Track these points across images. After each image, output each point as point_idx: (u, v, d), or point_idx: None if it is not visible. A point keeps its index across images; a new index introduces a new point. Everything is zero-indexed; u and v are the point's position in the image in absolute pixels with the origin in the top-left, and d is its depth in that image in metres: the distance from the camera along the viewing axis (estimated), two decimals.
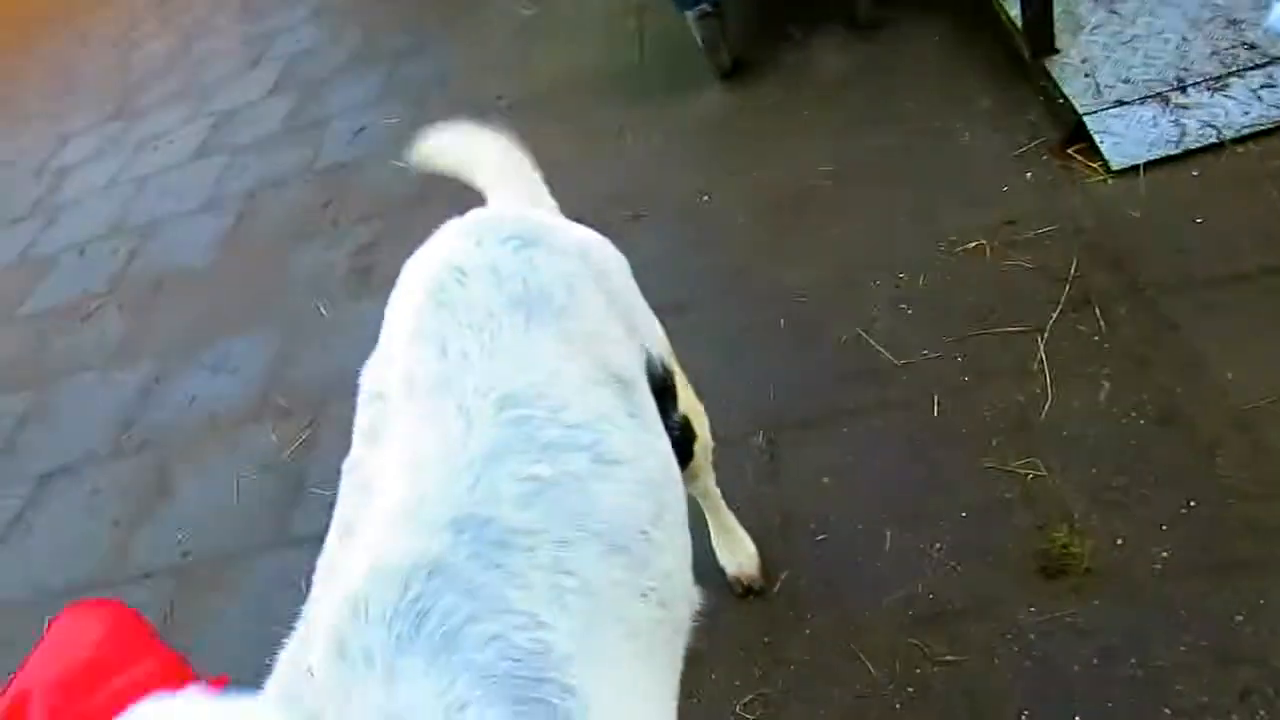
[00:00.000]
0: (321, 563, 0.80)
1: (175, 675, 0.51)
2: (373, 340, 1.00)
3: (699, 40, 2.79)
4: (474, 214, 1.09)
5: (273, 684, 0.70)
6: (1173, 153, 1.97)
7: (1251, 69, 2.03)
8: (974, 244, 2.02)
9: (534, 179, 1.35)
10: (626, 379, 0.96)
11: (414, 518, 0.75)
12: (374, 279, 2.68)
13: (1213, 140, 1.95)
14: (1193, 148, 1.96)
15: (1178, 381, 1.61)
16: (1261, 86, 1.99)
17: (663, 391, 1.09)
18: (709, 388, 1.95)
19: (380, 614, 0.67)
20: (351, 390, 0.96)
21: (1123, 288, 1.79)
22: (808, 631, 1.53)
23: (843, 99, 2.60)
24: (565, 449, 0.83)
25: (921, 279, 2.00)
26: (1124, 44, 2.22)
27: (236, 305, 2.91)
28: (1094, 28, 2.29)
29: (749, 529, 1.64)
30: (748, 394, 1.93)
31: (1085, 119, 2.09)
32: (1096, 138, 2.06)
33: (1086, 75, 2.17)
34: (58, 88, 5.41)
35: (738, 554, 1.61)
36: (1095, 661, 1.33)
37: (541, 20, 3.71)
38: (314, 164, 3.45)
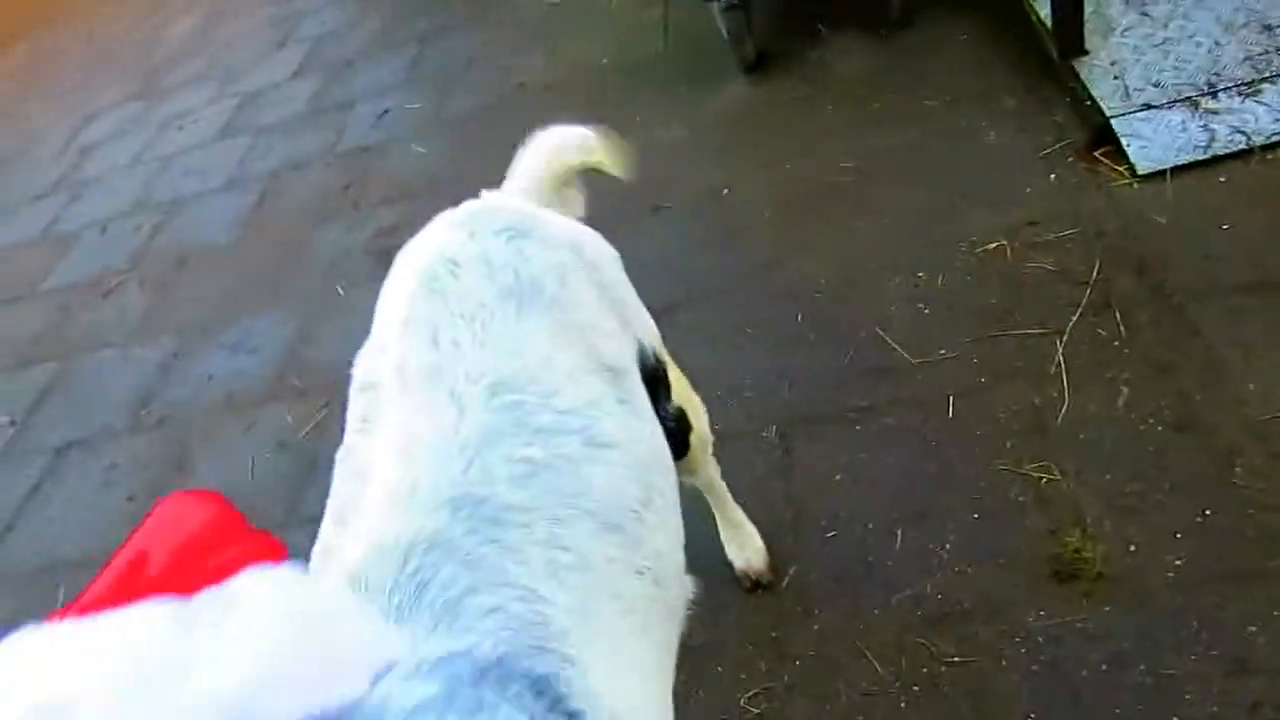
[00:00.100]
0: (317, 549, 0.82)
1: (275, 554, 0.53)
2: None
3: (724, 32, 2.78)
4: (467, 205, 1.10)
5: None
6: (1201, 158, 1.95)
7: None
8: (995, 244, 2.00)
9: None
10: (616, 368, 0.97)
11: (410, 500, 0.76)
12: (393, 262, 2.69)
13: (1242, 146, 1.93)
14: (1221, 153, 1.94)
15: (1198, 389, 1.60)
16: None
17: (655, 382, 1.10)
18: (723, 381, 1.96)
19: (380, 585, 0.68)
20: None
21: (1145, 292, 1.78)
22: (815, 627, 1.53)
23: (867, 95, 2.58)
24: (557, 433, 0.84)
25: (941, 278, 1.99)
26: (1155, 47, 2.19)
27: (256, 285, 2.93)
28: (1125, 30, 2.27)
29: (759, 523, 1.64)
30: (762, 388, 1.92)
31: (1112, 121, 2.07)
32: (1123, 141, 2.03)
33: (1115, 77, 2.15)
34: (83, 66, 5.45)
35: (746, 548, 1.62)
36: (1104, 667, 1.32)
37: (566, 8, 3.71)
38: (337, 146, 3.47)
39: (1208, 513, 1.43)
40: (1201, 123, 2.00)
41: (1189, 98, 2.05)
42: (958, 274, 1.98)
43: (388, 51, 3.99)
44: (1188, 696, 1.26)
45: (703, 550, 1.62)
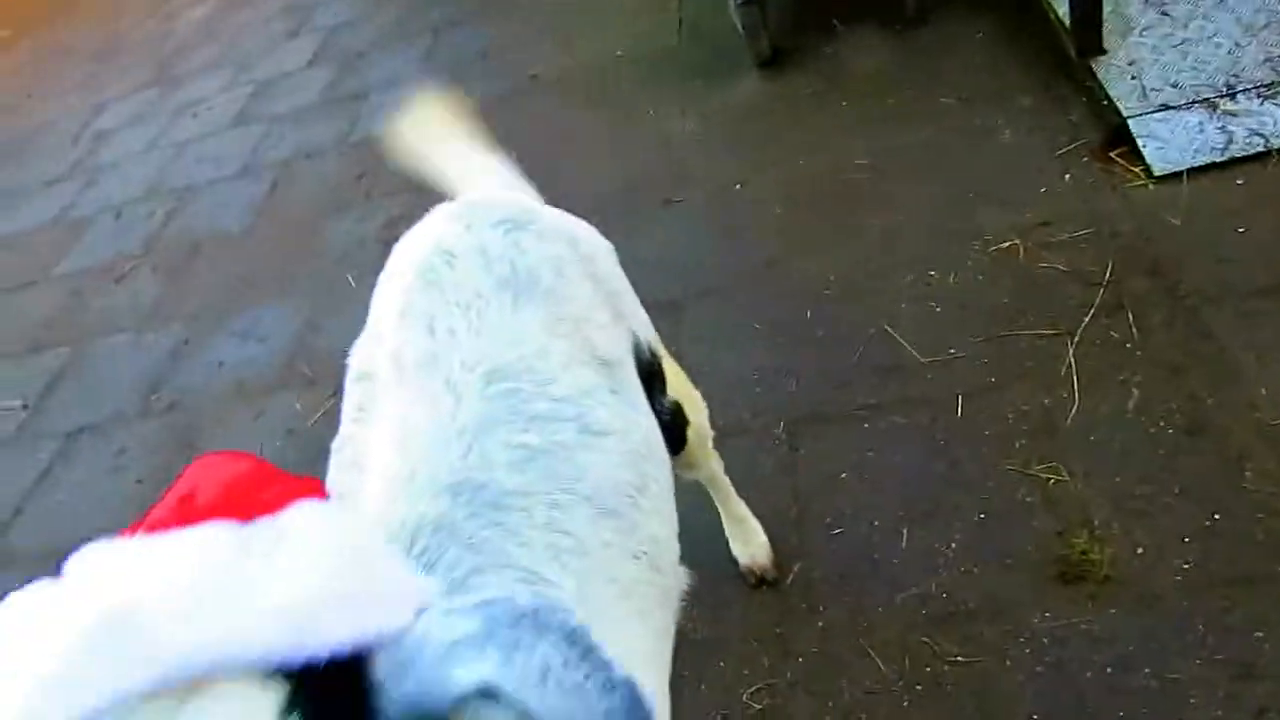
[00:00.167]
0: None
1: (318, 493, 0.56)
2: None
3: (739, 27, 2.77)
4: (464, 198, 1.11)
5: None
6: (1218, 160, 1.93)
7: None
8: (1008, 244, 1.99)
9: (506, 169, 1.34)
10: (610, 360, 0.98)
11: (409, 486, 0.76)
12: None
13: (1260, 149, 1.91)
14: (1239, 156, 1.92)
15: (1209, 392, 1.58)
16: None
17: (650, 376, 1.11)
18: (731, 376, 1.96)
19: None
20: None
21: (1159, 294, 1.76)
22: (819, 624, 1.53)
23: (882, 92, 2.57)
24: (552, 420, 0.85)
25: (952, 276, 1.98)
26: (1174, 47, 2.17)
27: (268, 273, 2.94)
28: (1144, 29, 2.25)
29: (764, 519, 1.64)
30: (769, 384, 1.92)
31: (1129, 122, 2.05)
32: (1139, 141, 2.02)
33: (1133, 78, 2.13)
34: (98, 52, 5.47)
35: (750, 544, 1.61)
36: (1109, 670, 1.32)
37: (580, 0, 3.70)
38: (349, 136, 3.47)
39: (1217, 516, 1.43)
40: (1219, 124, 1.98)
41: (1207, 99, 2.03)
42: (969, 273, 1.97)
43: (401, 42, 3.99)
44: (1193, 701, 1.26)
45: (707, 545, 1.62)
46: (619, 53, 3.24)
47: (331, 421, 1.01)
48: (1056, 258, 1.92)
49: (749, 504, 1.64)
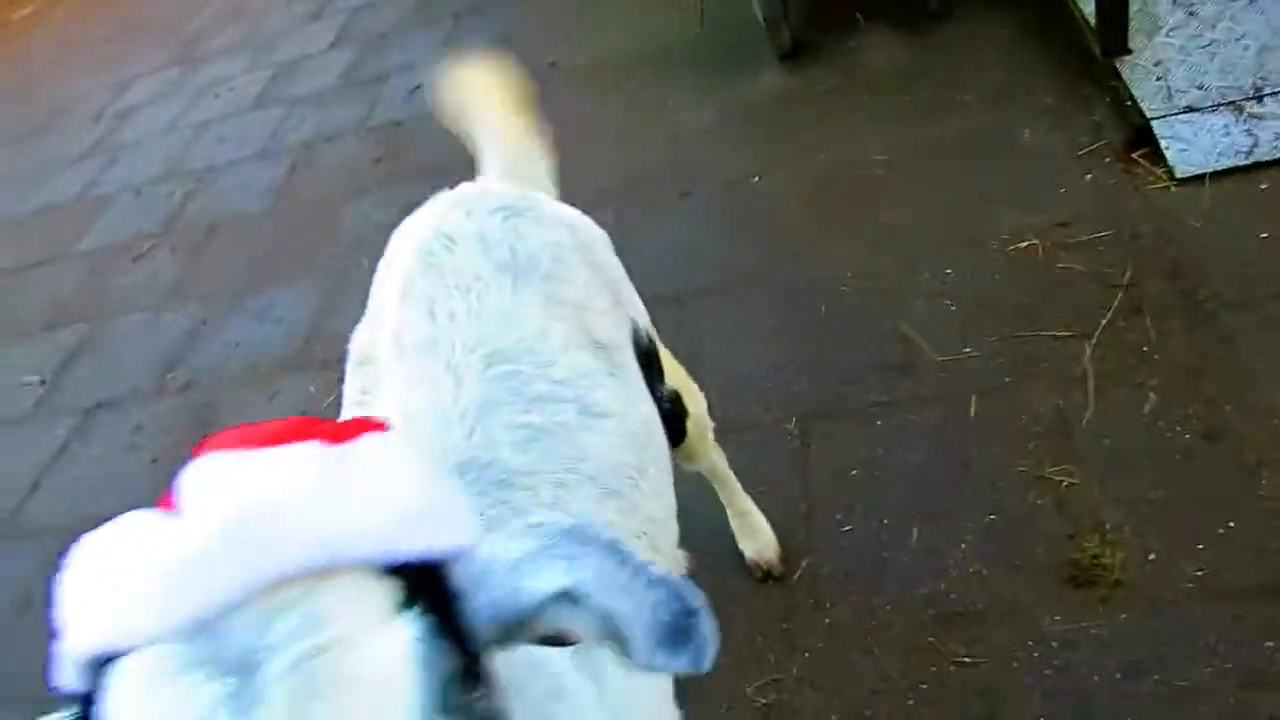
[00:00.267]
0: None
1: (378, 426, 0.59)
2: None
3: (761, 19, 2.75)
4: (464, 187, 1.13)
5: None
6: (1242, 164, 1.91)
7: None
8: (1026, 243, 1.98)
9: (536, 156, 1.35)
10: (607, 344, 1.00)
11: None
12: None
13: None
14: (1264, 160, 1.90)
15: (1227, 398, 1.57)
16: None
17: (648, 364, 1.12)
18: (743, 370, 1.96)
19: None
20: None
21: (1178, 298, 1.75)
22: (826, 621, 1.53)
23: (903, 88, 2.55)
24: (553, 401, 0.87)
25: (969, 275, 1.97)
26: (1201, 48, 2.14)
27: (285, 255, 2.96)
28: (1170, 29, 2.22)
29: (773, 514, 1.64)
30: (783, 378, 1.92)
31: (1153, 123, 2.03)
32: (1163, 143, 2.00)
33: (1158, 78, 2.11)
34: (121, 32, 5.49)
35: (756, 539, 1.62)
36: (1118, 675, 1.31)
37: None
38: (369, 120, 3.48)
39: (1231, 524, 1.42)
40: (1245, 127, 1.96)
41: (1233, 101, 2.01)
42: (986, 272, 1.96)
43: (422, 27, 3.99)
44: (1202, 709, 1.25)
45: (713, 538, 1.62)
46: (638, 43, 3.23)
47: (342, 408, 1.02)
48: (1075, 258, 1.91)
49: (759, 499, 1.64)
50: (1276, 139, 1.91)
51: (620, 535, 0.83)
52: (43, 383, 2.80)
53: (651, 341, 1.18)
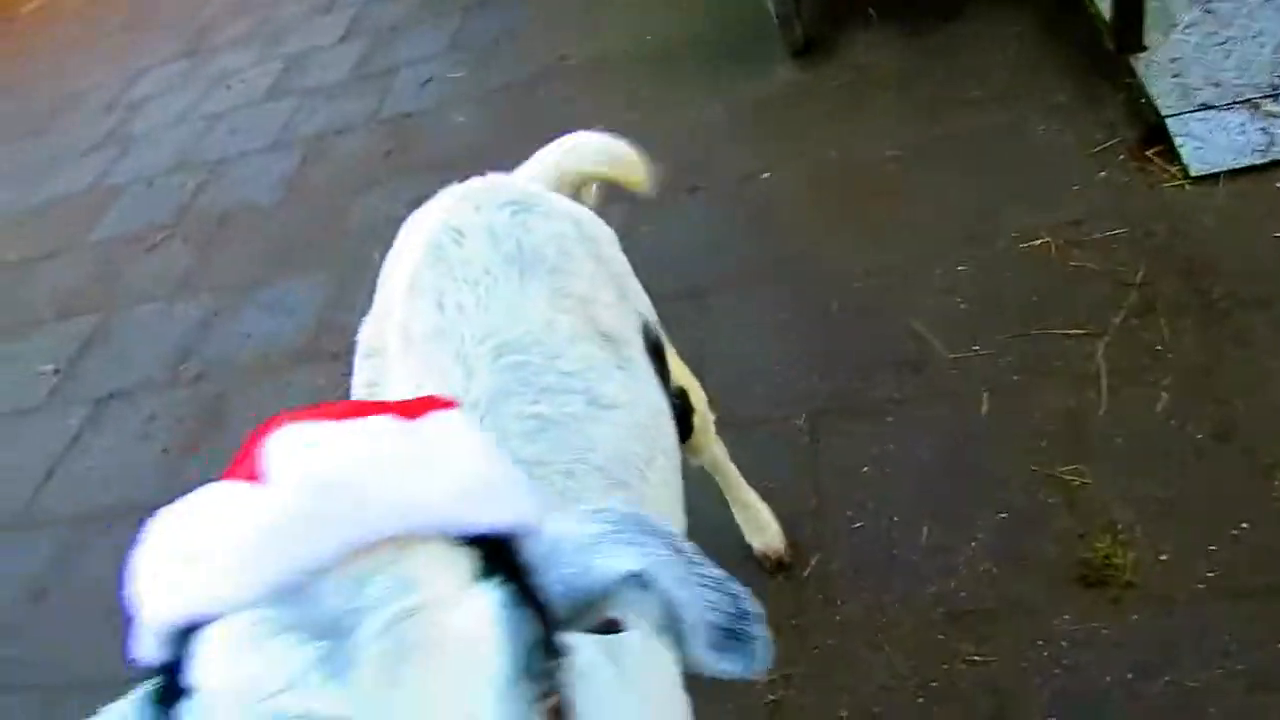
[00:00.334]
0: None
1: (445, 404, 0.60)
2: None
3: (773, 14, 2.74)
4: (471, 182, 1.13)
5: None
6: (1258, 162, 1.89)
7: None
8: (1038, 241, 1.97)
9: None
10: (615, 336, 1.00)
11: None
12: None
13: None
14: None
15: (1241, 398, 1.56)
16: None
17: (658, 360, 1.13)
18: (753, 366, 1.96)
19: None
20: None
21: (1192, 297, 1.74)
22: (836, 618, 1.53)
23: (915, 84, 2.54)
24: (561, 392, 0.88)
25: (981, 272, 1.96)
26: (1217, 45, 2.13)
27: (295, 247, 2.96)
28: (1186, 26, 2.20)
29: (783, 510, 1.64)
30: (792, 375, 1.91)
31: (1167, 120, 2.02)
32: (1177, 141, 1.99)
33: (1174, 75, 2.09)
34: (133, 23, 5.50)
35: (763, 531, 1.62)
36: (1128, 676, 1.31)
37: None
38: (379, 113, 3.48)
39: (1244, 526, 1.41)
40: (1261, 125, 1.94)
41: (1249, 99, 1.99)
42: (998, 269, 1.96)
43: (432, 20, 3.98)
44: (1212, 710, 1.25)
45: (718, 535, 1.63)
46: (649, 36, 3.22)
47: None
48: (1088, 256, 1.90)
49: (768, 495, 1.64)
50: None
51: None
52: (56, 372, 2.82)
53: (659, 338, 1.19)
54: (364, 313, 1.12)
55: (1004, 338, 1.82)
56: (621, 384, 0.95)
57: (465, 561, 0.48)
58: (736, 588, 0.51)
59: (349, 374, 2.51)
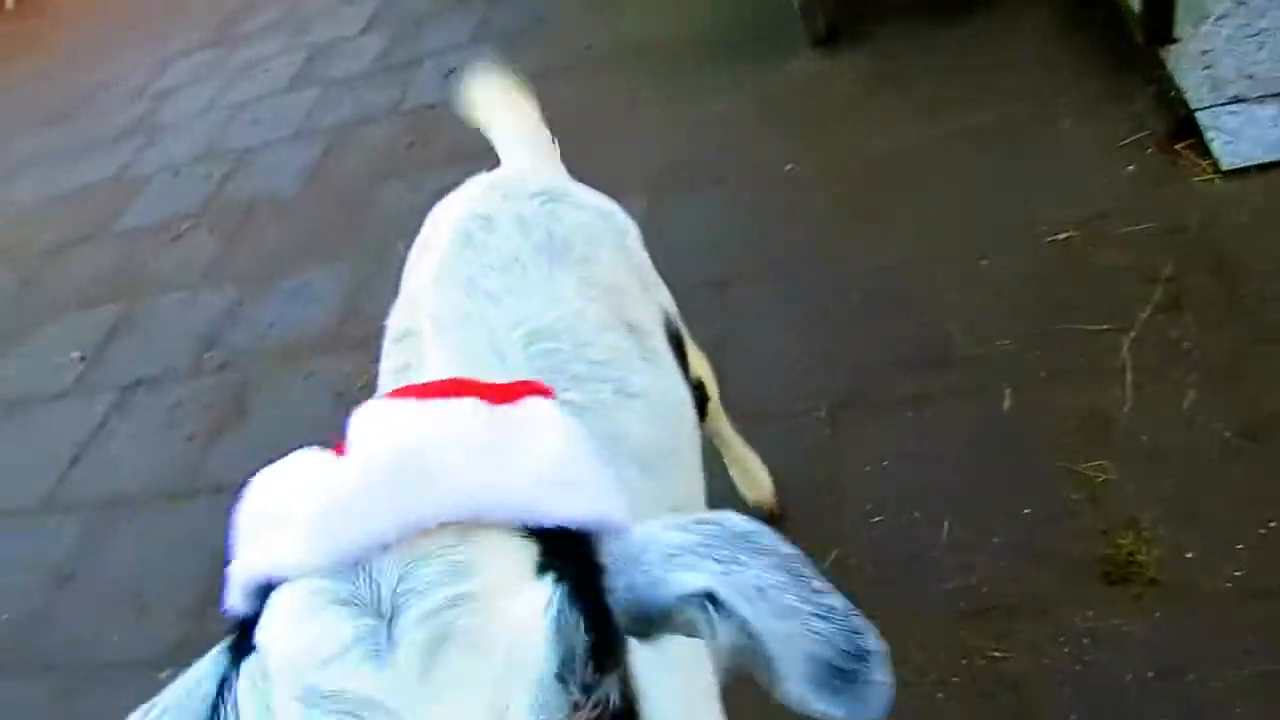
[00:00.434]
0: None
1: (544, 392, 0.61)
2: None
3: (796, 4, 2.72)
4: (499, 171, 1.16)
5: None
6: None
7: None
8: (1065, 235, 1.95)
9: (549, 149, 1.41)
10: (640, 327, 1.02)
11: None
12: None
13: None
14: None
15: (1269, 397, 1.54)
16: None
17: (678, 350, 1.15)
18: (775, 358, 1.95)
19: None
20: None
21: (1220, 294, 1.72)
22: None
23: (940, 75, 2.51)
24: (591, 380, 0.88)
25: (1006, 267, 1.95)
26: (1250, 37, 2.09)
27: (319, 236, 2.98)
28: (1218, 18, 2.17)
29: (803, 503, 1.65)
30: (814, 367, 1.91)
31: (1197, 114, 1.99)
32: (1208, 134, 1.96)
33: (1205, 68, 2.06)
34: (159, 13, 5.54)
35: (757, 485, 1.67)
36: (1151, 674, 1.30)
37: None
38: (402, 104, 3.49)
39: (1271, 524, 1.39)
40: None
41: None
42: (1024, 263, 1.94)
43: (456, 10, 3.99)
44: (1238, 711, 1.23)
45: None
46: (673, 27, 3.21)
47: (377, 386, 1.03)
48: (1115, 252, 1.88)
49: (788, 488, 1.65)
50: None
51: (658, 511, 0.85)
52: (83, 359, 2.85)
53: (679, 331, 1.21)
54: (387, 303, 1.13)
55: (1028, 333, 1.80)
56: (647, 374, 0.96)
57: (529, 553, 0.47)
58: (859, 623, 0.46)
59: (373, 361, 2.53)
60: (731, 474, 1.66)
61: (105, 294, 3.14)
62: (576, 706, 0.45)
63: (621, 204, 1.22)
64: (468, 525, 0.47)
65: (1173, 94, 2.06)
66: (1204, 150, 1.96)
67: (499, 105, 1.44)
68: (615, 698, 0.47)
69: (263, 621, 0.46)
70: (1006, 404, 1.70)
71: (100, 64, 5.13)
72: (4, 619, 2.12)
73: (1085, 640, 1.36)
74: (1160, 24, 2.14)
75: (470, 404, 0.53)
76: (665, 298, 1.20)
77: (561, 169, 1.36)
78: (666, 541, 0.50)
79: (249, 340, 2.66)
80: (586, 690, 0.45)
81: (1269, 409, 1.53)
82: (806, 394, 1.86)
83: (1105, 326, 1.75)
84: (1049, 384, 1.70)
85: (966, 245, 2.02)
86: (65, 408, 2.71)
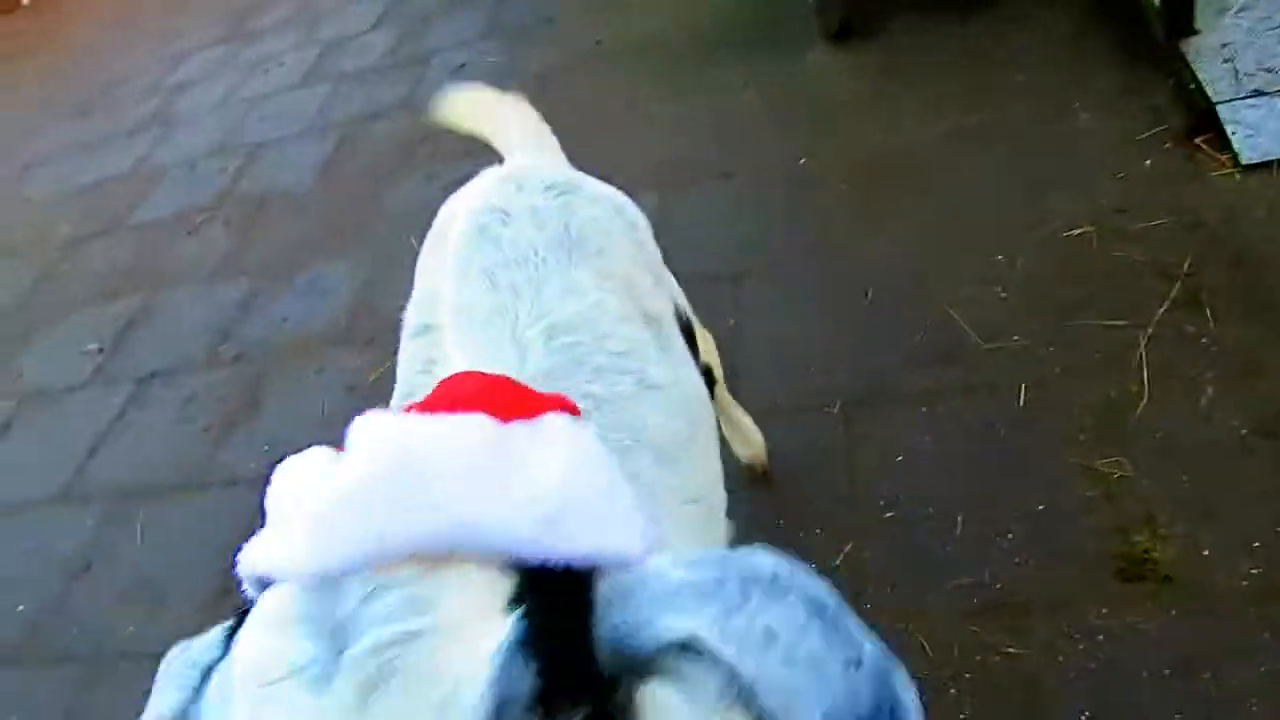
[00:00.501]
0: None
1: (572, 409, 0.59)
2: None
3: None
4: (512, 164, 1.16)
5: None
6: None
7: None
8: (1081, 230, 1.93)
9: (553, 144, 1.41)
10: (656, 318, 1.02)
11: None
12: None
13: None
14: None
15: None
16: None
17: (689, 340, 1.16)
18: (788, 353, 1.95)
19: None
20: None
21: (1239, 290, 1.70)
22: (867, 606, 1.52)
23: (955, 68, 2.50)
24: (613, 372, 0.89)
25: (1021, 261, 1.93)
26: (1271, 30, 2.07)
27: (332, 231, 2.99)
28: (1239, 10, 2.14)
29: (816, 497, 1.65)
30: (827, 362, 1.90)
31: (1217, 107, 1.97)
32: (1228, 128, 1.94)
33: (1225, 60, 2.04)
34: (173, 9, 5.57)
35: (750, 444, 1.70)
36: (1166, 672, 1.29)
37: None
38: (413, 99, 3.49)
39: None
40: None
41: None
42: (1039, 258, 1.92)
43: (466, 6, 3.99)
44: (1252, 708, 1.22)
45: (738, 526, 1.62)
46: (683, 21, 3.20)
47: (390, 380, 1.03)
48: (1132, 247, 1.86)
49: (801, 482, 1.64)
50: None
51: (677, 499, 0.85)
52: (100, 350, 2.87)
53: (689, 320, 1.23)
54: (399, 297, 1.13)
55: (1043, 328, 1.79)
56: (665, 365, 0.97)
57: (501, 589, 0.45)
58: (897, 678, 0.42)
59: (386, 355, 2.53)
60: (724, 433, 1.67)
61: (122, 287, 3.16)
62: None
63: (632, 199, 1.22)
64: (440, 556, 0.45)
65: (1192, 87, 2.04)
66: (1223, 144, 1.94)
67: (493, 108, 1.45)
68: None
69: (245, 621, 0.47)
70: (1021, 400, 1.69)
71: (114, 60, 5.15)
72: (20, 610, 2.14)
73: (1100, 637, 1.35)
74: (1180, 16, 2.12)
75: (477, 421, 0.51)
76: (675, 289, 1.21)
77: (565, 163, 1.36)
78: (669, 579, 0.46)
79: (263, 333, 2.68)
80: None
81: None
82: (819, 389, 1.85)
83: (1122, 322, 1.74)
84: (1064, 380, 1.69)
85: (981, 240, 2.01)
86: (83, 399, 2.73)
